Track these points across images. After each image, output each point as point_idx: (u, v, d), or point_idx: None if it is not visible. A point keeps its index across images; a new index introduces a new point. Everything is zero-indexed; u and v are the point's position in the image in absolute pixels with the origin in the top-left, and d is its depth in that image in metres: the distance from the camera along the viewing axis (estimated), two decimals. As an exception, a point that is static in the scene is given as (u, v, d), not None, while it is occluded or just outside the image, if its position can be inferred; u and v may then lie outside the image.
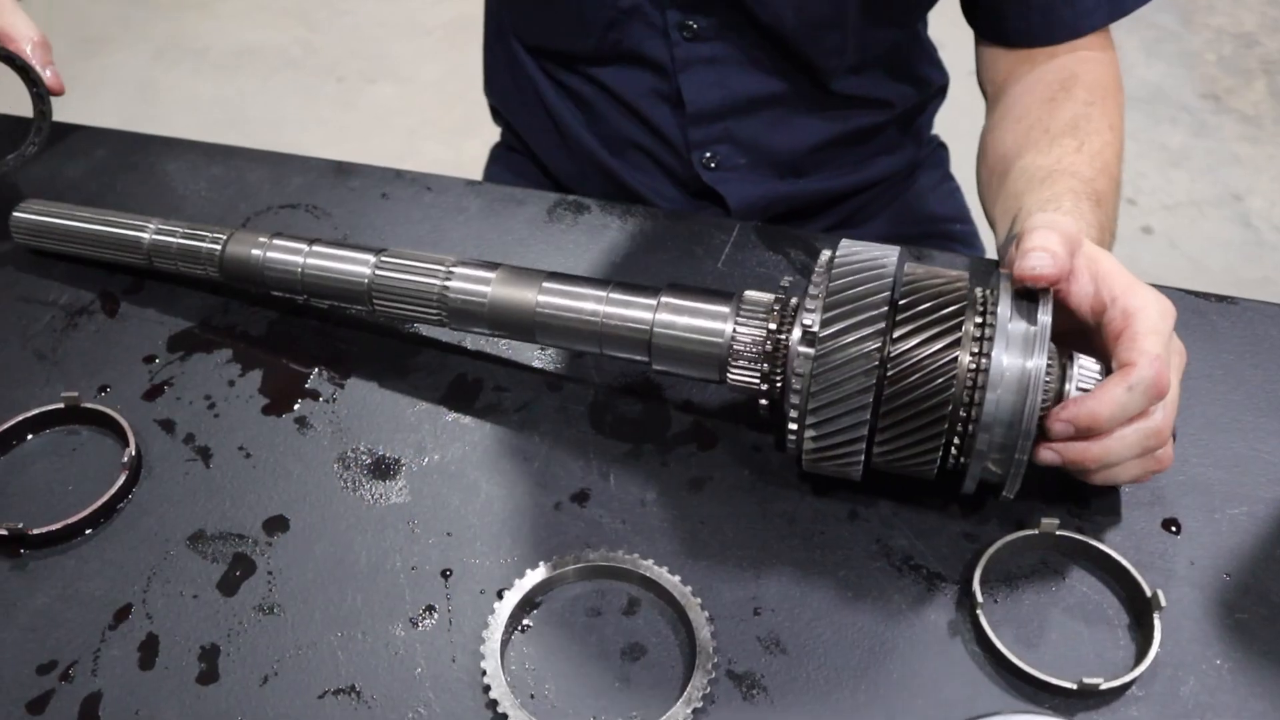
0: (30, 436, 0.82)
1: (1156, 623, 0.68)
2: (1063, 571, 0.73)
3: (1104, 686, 0.65)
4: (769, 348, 0.72)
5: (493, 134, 1.35)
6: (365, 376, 0.86)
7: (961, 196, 1.30)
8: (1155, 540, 0.74)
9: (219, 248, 0.87)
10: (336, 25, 3.25)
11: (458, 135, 2.70)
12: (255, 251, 0.85)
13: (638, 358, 0.77)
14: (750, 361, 0.73)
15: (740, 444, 0.80)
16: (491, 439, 0.81)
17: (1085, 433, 0.68)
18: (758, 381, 0.73)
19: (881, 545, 0.74)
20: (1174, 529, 0.75)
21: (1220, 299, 0.90)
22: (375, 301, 0.82)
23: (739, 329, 0.73)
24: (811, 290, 0.69)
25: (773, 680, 0.67)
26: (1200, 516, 0.75)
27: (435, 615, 0.71)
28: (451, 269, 0.80)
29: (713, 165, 1.11)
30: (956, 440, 0.68)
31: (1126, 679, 0.66)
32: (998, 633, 0.68)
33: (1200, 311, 0.89)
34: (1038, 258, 0.68)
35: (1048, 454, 0.70)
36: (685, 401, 0.84)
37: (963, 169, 1.31)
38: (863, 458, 0.69)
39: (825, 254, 0.72)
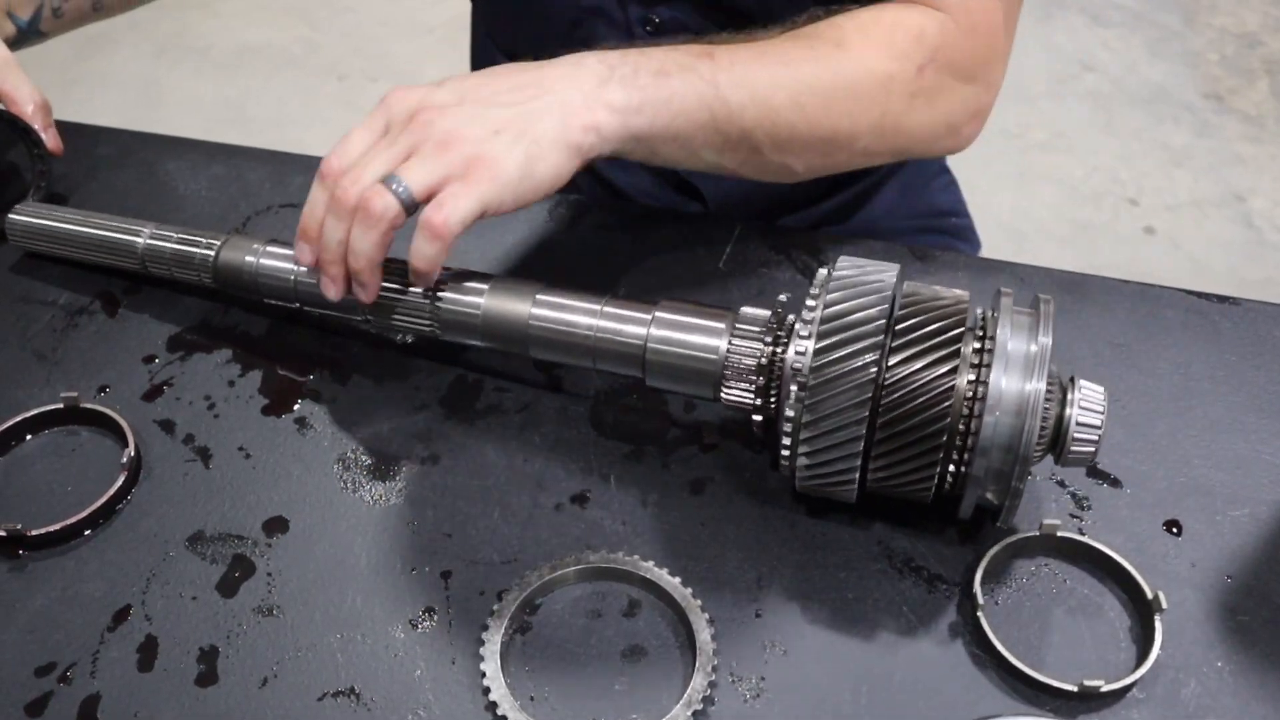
0: (29, 437, 0.81)
1: (1158, 625, 0.67)
2: (1063, 573, 0.72)
3: (1105, 689, 0.65)
4: (764, 365, 0.71)
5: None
6: (365, 377, 0.86)
7: (958, 189, 1.29)
8: (1157, 542, 0.74)
9: (213, 254, 0.86)
10: (338, 24, 3.25)
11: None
12: (249, 259, 0.84)
13: (631, 374, 0.76)
14: (745, 380, 0.72)
15: (741, 447, 0.80)
16: (492, 440, 0.81)
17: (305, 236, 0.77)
18: (752, 399, 0.72)
19: (882, 547, 0.74)
20: (1175, 531, 0.74)
21: (1222, 299, 0.90)
22: (368, 312, 0.82)
23: (734, 346, 0.72)
24: (807, 309, 0.68)
25: (773, 682, 0.67)
26: (1202, 518, 0.75)
27: (435, 617, 0.71)
28: (443, 280, 0.79)
29: None
30: (953, 464, 0.67)
31: (1127, 681, 0.65)
32: (999, 634, 0.68)
33: (1202, 312, 0.89)
34: None
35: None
36: (687, 403, 0.83)
37: (959, 162, 1.30)
38: (857, 480, 0.68)
39: (822, 272, 0.71)
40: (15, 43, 1.04)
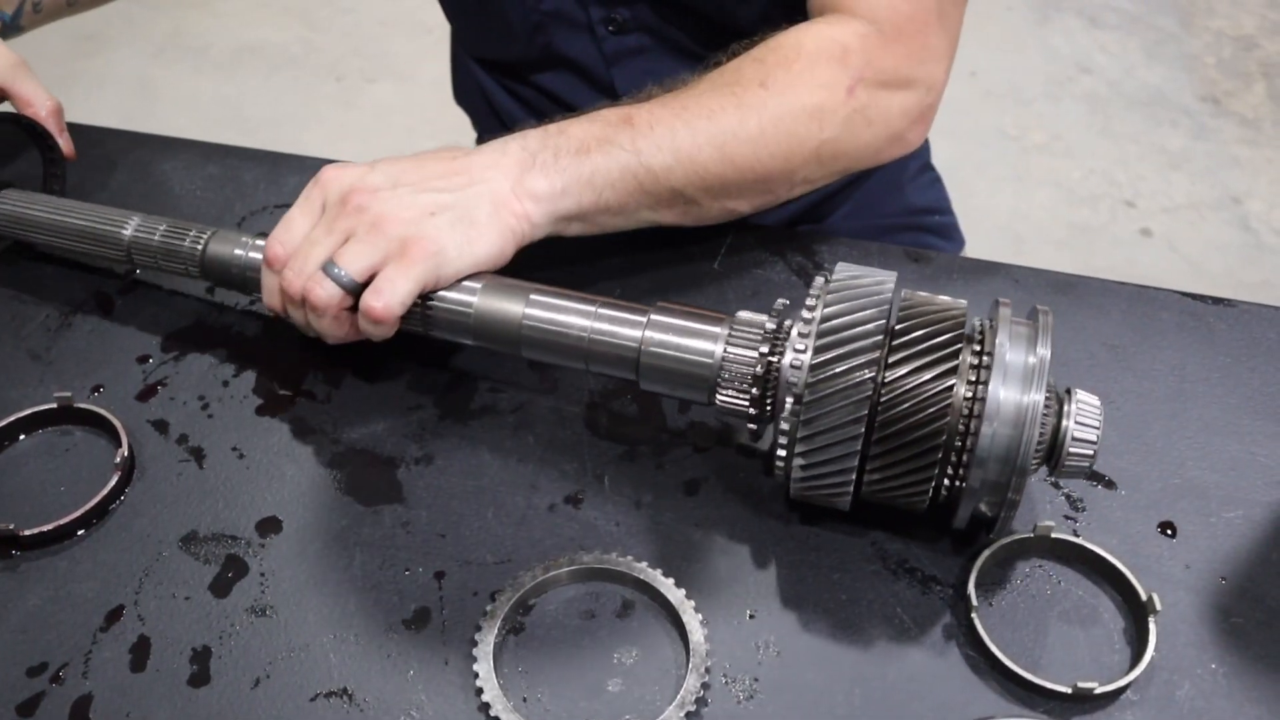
0: (23, 437, 0.81)
1: (1152, 627, 0.67)
2: (1058, 575, 0.72)
3: (1099, 691, 0.65)
4: (760, 372, 0.71)
5: (491, 133, 1.35)
6: (359, 377, 0.86)
7: (941, 187, 1.29)
8: (1151, 544, 0.74)
9: (200, 246, 0.85)
10: (337, 24, 3.25)
11: (457, 135, 2.70)
12: (238, 252, 0.84)
13: (625, 376, 0.76)
14: (740, 385, 0.71)
15: (736, 447, 0.80)
16: (486, 440, 0.81)
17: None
18: (746, 405, 0.72)
19: (877, 548, 0.74)
20: (1170, 532, 0.74)
21: (1217, 301, 0.90)
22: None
23: (730, 351, 0.72)
24: (805, 315, 0.68)
25: (766, 683, 0.67)
26: (1196, 520, 0.75)
27: (428, 618, 0.70)
28: None
29: None
30: (949, 475, 0.67)
31: (1121, 683, 0.65)
32: (993, 636, 0.68)
33: (1197, 314, 0.89)
34: None
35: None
36: (681, 404, 0.83)
37: (949, 163, 1.31)
38: (852, 489, 0.68)
39: (819, 279, 0.71)
40: None
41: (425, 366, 0.86)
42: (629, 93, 1.04)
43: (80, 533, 0.76)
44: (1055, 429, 0.67)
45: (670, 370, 0.74)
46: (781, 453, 0.68)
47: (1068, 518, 0.75)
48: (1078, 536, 0.73)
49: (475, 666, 0.67)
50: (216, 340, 0.89)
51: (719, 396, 0.72)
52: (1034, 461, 0.66)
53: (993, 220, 2.60)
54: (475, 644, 0.68)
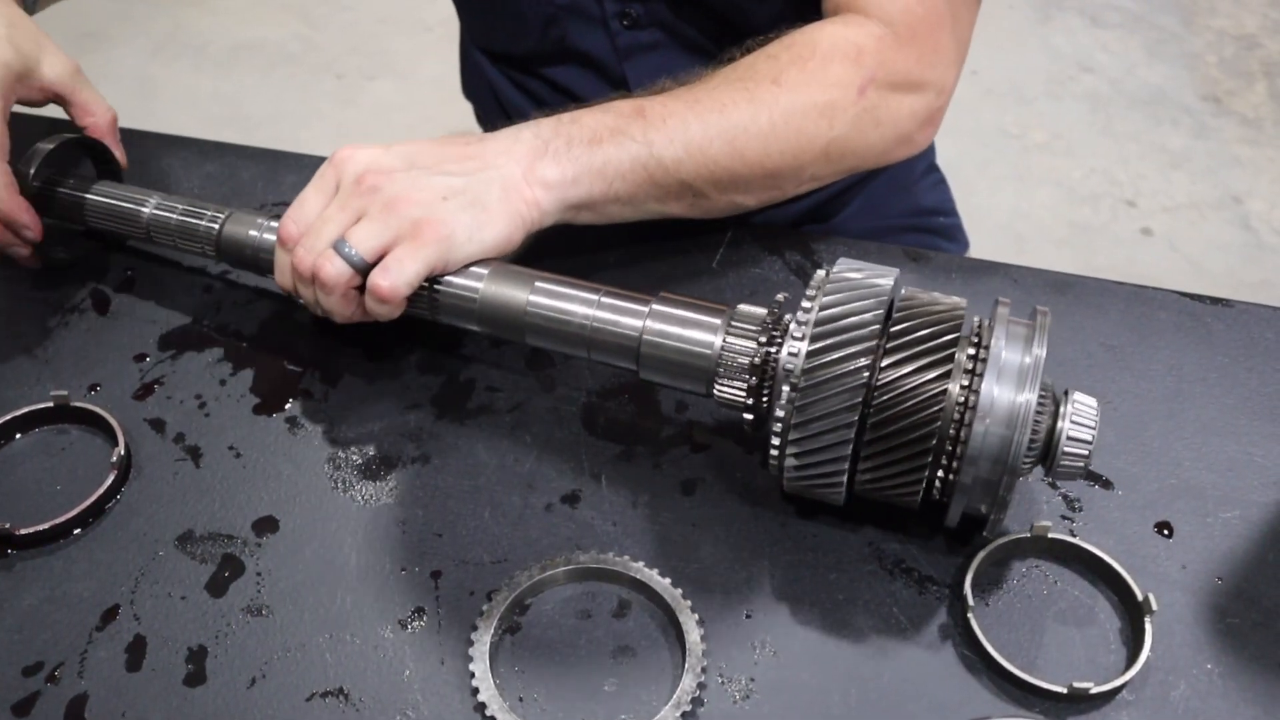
0: (19, 435, 0.81)
1: (1148, 627, 0.67)
2: (1054, 575, 0.72)
3: (1094, 691, 0.65)
4: (758, 364, 0.71)
5: (490, 131, 1.35)
6: (357, 377, 0.86)
7: (946, 189, 1.29)
8: (1147, 544, 0.74)
9: (216, 227, 0.86)
10: (336, 21, 3.25)
11: (457, 132, 2.70)
12: (253, 233, 0.85)
13: (626, 366, 0.76)
14: (738, 377, 0.72)
15: (733, 447, 0.80)
16: (483, 440, 0.81)
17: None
18: (744, 397, 0.72)
19: (873, 548, 0.74)
20: (1166, 533, 0.74)
21: (1215, 301, 0.90)
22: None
23: (728, 343, 0.72)
24: (803, 309, 0.68)
25: (763, 683, 0.67)
26: (1193, 520, 0.75)
27: (424, 617, 0.70)
28: None
29: None
30: (941, 472, 0.67)
31: (1117, 683, 0.65)
32: (989, 636, 0.68)
33: (1195, 314, 0.89)
34: None
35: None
36: (679, 404, 0.83)
37: (954, 162, 1.30)
38: (844, 483, 0.68)
39: (820, 273, 0.71)
40: None
41: (422, 366, 0.86)
42: (641, 88, 1.05)
43: (76, 532, 0.76)
44: (1050, 429, 0.67)
45: (670, 361, 0.74)
46: (776, 440, 0.68)
47: (1064, 518, 0.75)
48: (1074, 537, 0.73)
49: (471, 666, 0.67)
50: (213, 339, 0.89)
51: (717, 387, 0.73)
52: (1027, 461, 0.66)
53: (993, 219, 2.60)
54: (471, 644, 0.68)
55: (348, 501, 0.77)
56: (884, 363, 0.66)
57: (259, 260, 0.85)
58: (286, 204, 0.87)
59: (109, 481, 0.77)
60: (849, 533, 0.74)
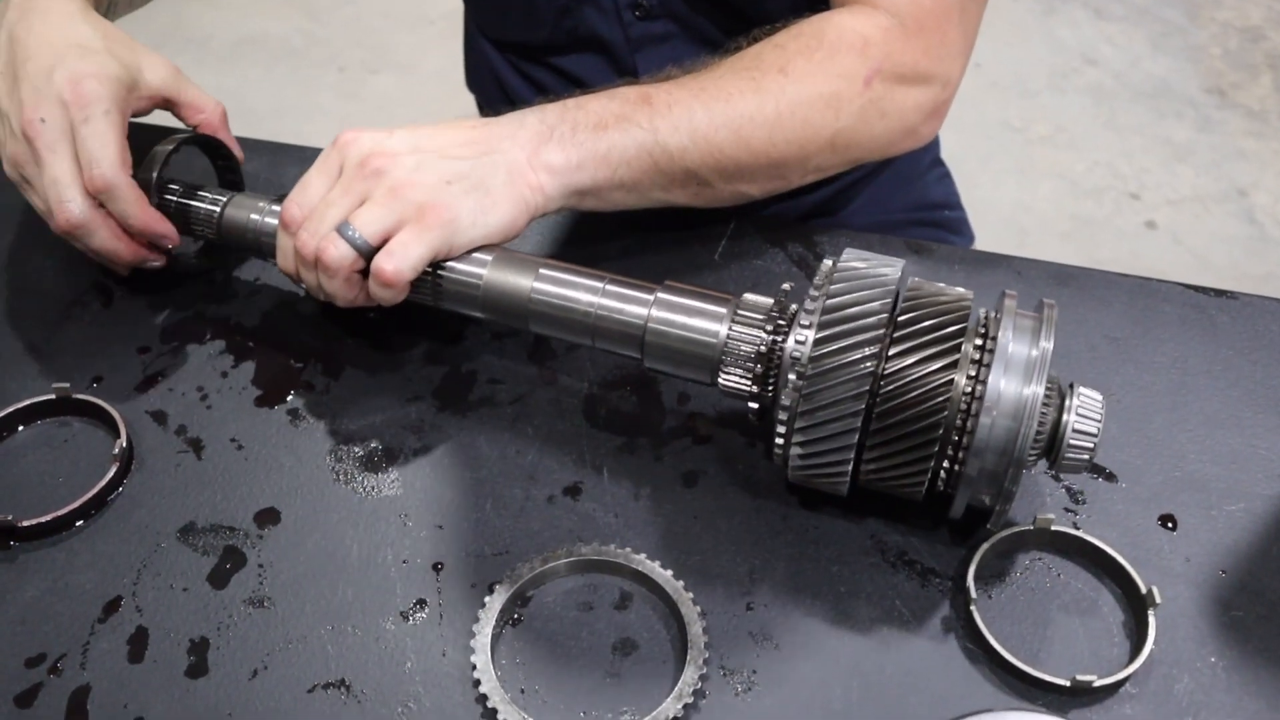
0: (21, 428, 0.81)
1: (1151, 620, 0.67)
2: (1058, 568, 0.72)
3: (1097, 684, 0.65)
4: (764, 353, 0.71)
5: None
6: (358, 369, 0.86)
7: (951, 182, 1.29)
8: (1151, 536, 0.74)
9: (218, 209, 0.86)
10: (338, 15, 3.24)
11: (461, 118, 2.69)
12: (254, 217, 0.85)
13: (630, 354, 0.76)
14: (743, 367, 0.72)
15: (735, 439, 0.80)
16: (485, 432, 0.81)
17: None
18: (749, 387, 0.72)
19: (876, 540, 0.74)
20: (1170, 525, 0.74)
21: (1220, 294, 0.89)
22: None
23: (734, 332, 0.72)
24: (810, 299, 0.68)
25: (764, 675, 0.67)
26: (1197, 513, 0.75)
27: (426, 609, 0.70)
28: None
29: None
30: (946, 464, 0.67)
31: (1120, 676, 0.65)
32: (992, 629, 0.68)
33: (1199, 307, 0.89)
34: None
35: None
36: (680, 395, 0.83)
37: (958, 156, 1.30)
38: (849, 475, 0.68)
39: (826, 263, 0.71)
40: None
41: (424, 358, 0.86)
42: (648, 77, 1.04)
43: (78, 524, 0.76)
44: (1056, 423, 0.66)
45: (674, 349, 0.74)
46: (781, 430, 0.68)
47: (1068, 510, 0.75)
48: (1078, 529, 0.72)
49: (473, 658, 0.66)
50: (216, 332, 0.89)
51: (722, 377, 0.72)
52: (1032, 454, 0.66)
53: (997, 212, 2.59)
54: (473, 635, 0.68)
55: (349, 493, 0.77)
56: (890, 353, 0.66)
57: (260, 244, 0.85)
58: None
59: (111, 474, 0.77)
60: (851, 525, 0.74)
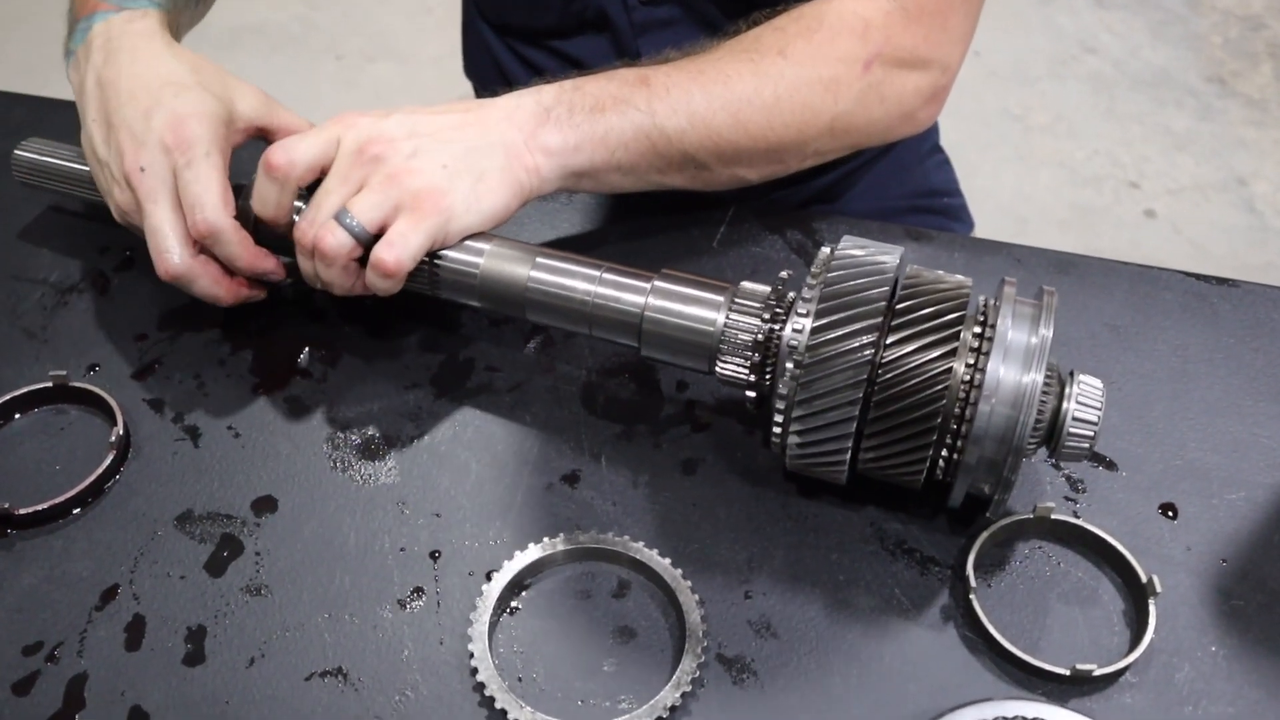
0: (18, 416, 0.81)
1: (1152, 609, 0.67)
2: (1058, 556, 0.72)
3: (1097, 673, 0.64)
4: (761, 341, 0.71)
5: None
6: (356, 356, 0.85)
7: (950, 169, 1.28)
8: (1152, 525, 0.73)
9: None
10: (336, 3, 3.23)
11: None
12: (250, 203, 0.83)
13: (627, 342, 0.76)
14: (740, 355, 0.71)
15: (734, 427, 0.80)
16: (482, 420, 0.80)
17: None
18: (746, 375, 0.72)
19: (875, 529, 0.73)
20: (1171, 514, 0.74)
21: (1221, 282, 0.89)
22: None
23: (731, 320, 0.72)
24: (808, 286, 0.68)
25: (763, 664, 0.67)
26: (1198, 502, 0.75)
27: (423, 597, 0.70)
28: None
29: None
30: (945, 452, 0.67)
31: (1120, 665, 0.65)
32: (991, 618, 0.67)
33: (1201, 295, 0.88)
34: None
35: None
36: (679, 383, 0.83)
37: (957, 143, 1.29)
38: (847, 462, 0.68)
39: (825, 250, 0.70)
40: None
41: (422, 346, 0.86)
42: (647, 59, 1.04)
43: (75, 512, 0.75)
44: (1056, 410, 0.66)
45: (671, 338, 0.73)
46: (779, 418, 0.68)
47: (1068, 499, 0.75)
48: (1078, 518, 0.72)
49: (470, 646, 0.66)
50: (213, 319, 0.88)
51: (719, 364, 0.72)
52: (1032, 442, 0.66)
53: (996, 201, 2.58)
54: (470, 624, 0.67)
55: (347, 481, 0.77)
56: (889, 340, 0.65)
57: (258, 230, 0.83)
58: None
59: (108, 461, 0.77)
60: (851, 513, 0.74)
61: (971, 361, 0.65)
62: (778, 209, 0.97)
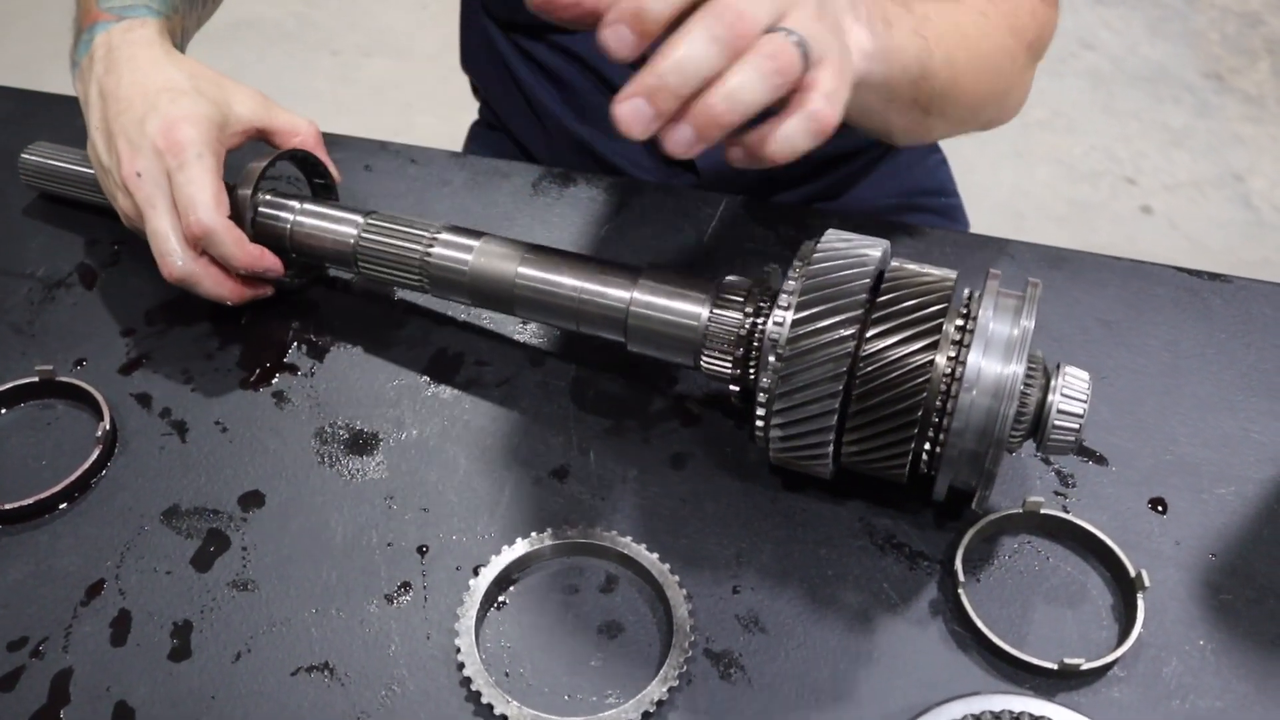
0: (4, 410, 0.81)
1: (1140, 603, 0.67)
2: (1047, 551, 0.72)
3: (1085, 667, 0.64)
4: (744, 335, 0.71)
5: (486, 109, 1.34)
6: (345, 350, 0.85)
7: (947, 169, 1.28)
8: (1142, 520, 0.73)
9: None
10: (333, -1, 3.23)
11: (454, 109, 2.67)
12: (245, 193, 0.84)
13: (614, 337, 0.75)
14: (724, 348, 0.71)
15: (723, 421, 0.79)
16: (471, 414, 0.80)
17: (638, 25, 0.56)
18: (731, 369, 0.71)
19: (864, 524, 0.73)
20: (1161, 509, 0.74)
21: (1214, 277, 0.89)
22: (360, 265, 0.82)
23: (715, 314, 0.71)
24: (790, 280, 0.67)
25: (751, 659, 0.67)
26: (1188, 496, 0.74)
27: (411, 592, 0.70)
28: (436, 235, 0.79)
29: None
30: (928, 444, 0.66)
31: (1108, 659, 0.65)
32: (979, 612, 0.67)
33: (1194, 290, 0.88)
34: None
35: (627, 108, 0.57)
36: (669, 378, 0.82)
37: (952, 141, 1.29)
38: (830, 455, 0.67)
39: (808, 244, 0.70)
40: None
41: (411, 340, 0.85)
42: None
43: (61, 507, 0.75)
44: (1040, 403, 0.66)
45: (657, 332, 0.73)
46: (761, 411, 0.67)
47: (1058, 494, 0.74)
48: (1067, 512, 0.72)
49: (457, 641, 0.66)
50: (201, 313, 0.88)
51: (704, 359, 0.72)
52: (1016, 435, 0.65)
53: (993, 197, 2.58)
54: (458, 618, 0.67)
55: (334, 476, 0.76)
56: (869, 334, 0.65)
57: (253, 229, 0.83)
58: (276, 178, 0.86)
59: (94, 456, 0.76)
60: (839, 508, 0.74)
61: (953, 354, 0.64)
62: (768, 204, 0.96)
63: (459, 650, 0.66)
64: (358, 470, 0.77)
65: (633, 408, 0.80)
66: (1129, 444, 0.77)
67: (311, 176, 0.91)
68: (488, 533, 0.73)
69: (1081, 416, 0.65)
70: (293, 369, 0.84)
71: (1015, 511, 0.71)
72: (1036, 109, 2.84)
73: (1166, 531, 0.72)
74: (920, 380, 0.64)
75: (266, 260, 0.83)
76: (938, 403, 0.64)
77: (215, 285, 0.83)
